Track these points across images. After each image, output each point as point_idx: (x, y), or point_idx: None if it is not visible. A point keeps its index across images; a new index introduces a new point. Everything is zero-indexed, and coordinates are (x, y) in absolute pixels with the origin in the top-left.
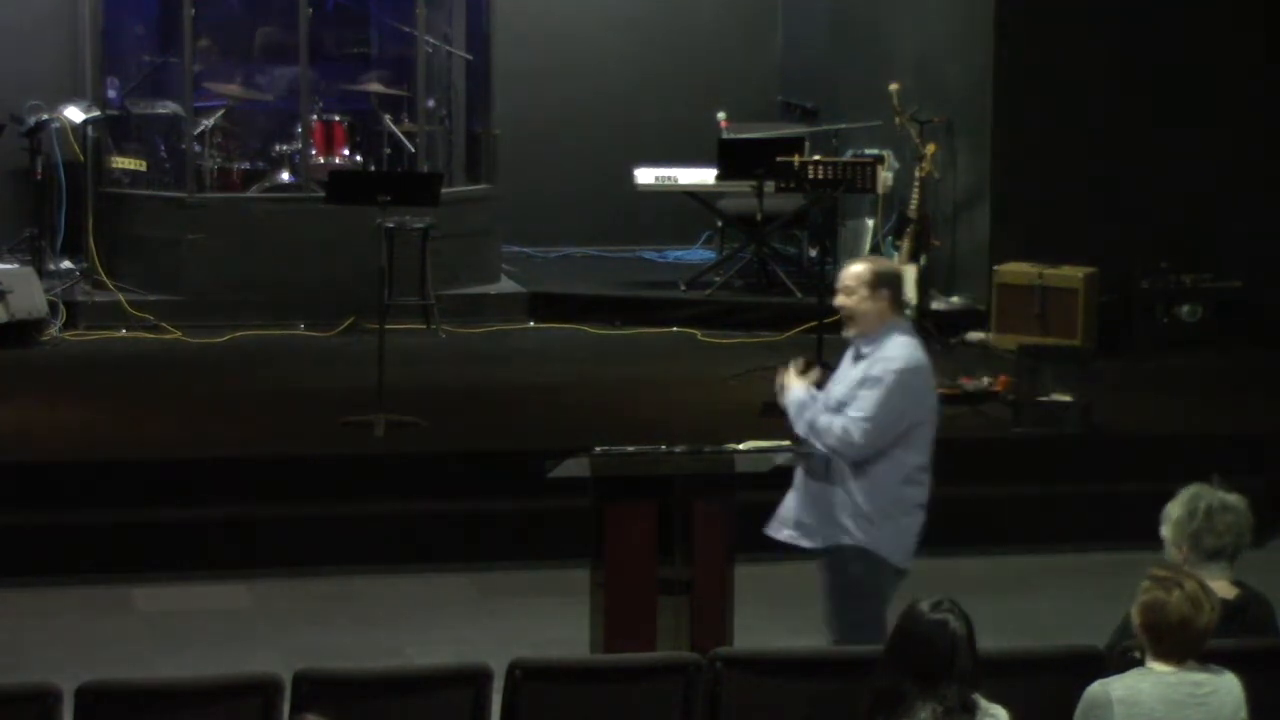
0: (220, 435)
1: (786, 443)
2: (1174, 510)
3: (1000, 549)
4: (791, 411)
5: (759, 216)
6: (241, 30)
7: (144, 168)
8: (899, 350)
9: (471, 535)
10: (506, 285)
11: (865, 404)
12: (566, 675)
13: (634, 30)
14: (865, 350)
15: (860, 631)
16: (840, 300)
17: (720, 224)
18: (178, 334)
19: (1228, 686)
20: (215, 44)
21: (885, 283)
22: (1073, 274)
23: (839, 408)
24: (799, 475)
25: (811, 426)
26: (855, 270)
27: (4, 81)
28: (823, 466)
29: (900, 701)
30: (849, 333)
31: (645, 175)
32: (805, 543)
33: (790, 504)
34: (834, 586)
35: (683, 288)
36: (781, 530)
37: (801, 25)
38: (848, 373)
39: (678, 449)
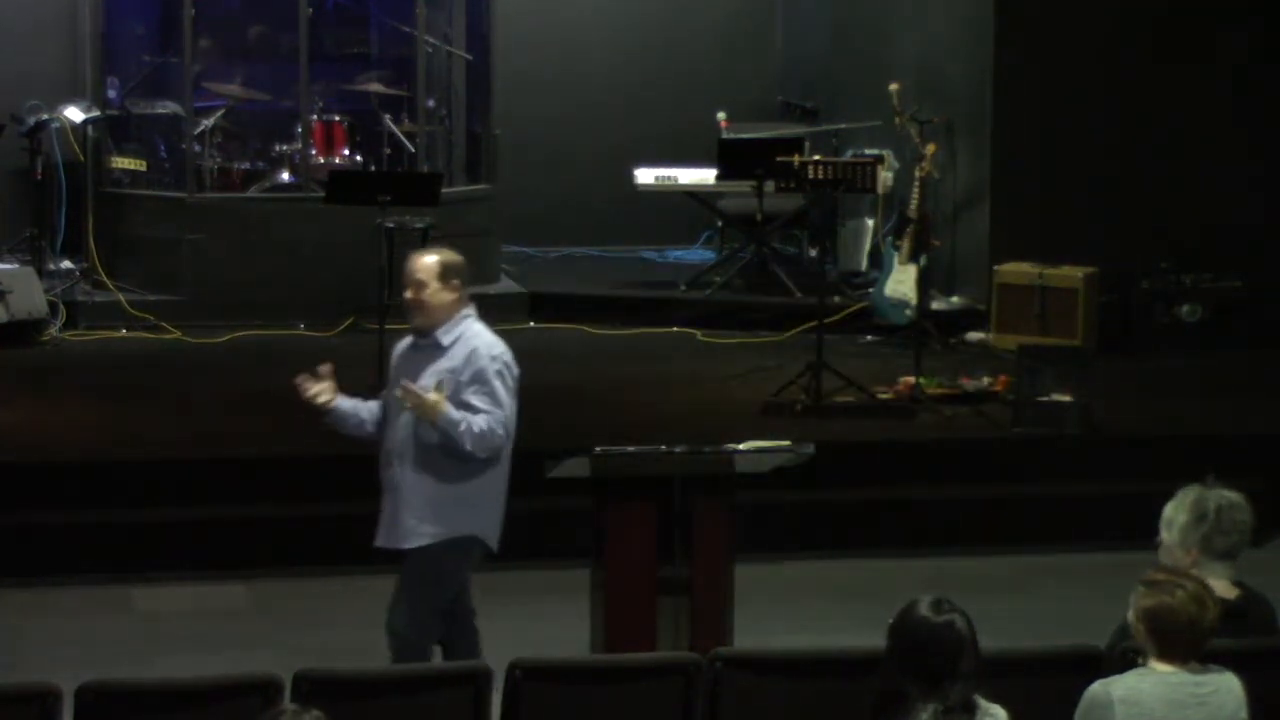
0: (220, 435)
1: (787, 443)
2: (1180, 515)
3: (1001, 549)
4: (458, 429)
5: (759, 216)
6: (241, 30)
7: (144, 168)
8: (490, 336)
9: None
10: (506, 285)
11: (494, 396)
12: (566, 675)
13: (634, 30)
14: (446, 341)
15: (433, 619)
16: (410, 294)
17: (720, 224)
18: (178, 334)
19: (1228, 687)
20: (215, 44)
21: (456, 273)
22: (1073, 274)
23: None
24: (396, 479)
25: (475, 434)
26: (424, 262)
27: (4, 81)
28: (434, 462)
29: (903, 702)
30: (418, 324)
31: (645, 175)
32: (412, 544)
33: (395, 510)
34: (420, 571)
35: (683, 288)
36: (398, 540)
37: (801, 25)
38: (427, 366)
39: (678, 449)
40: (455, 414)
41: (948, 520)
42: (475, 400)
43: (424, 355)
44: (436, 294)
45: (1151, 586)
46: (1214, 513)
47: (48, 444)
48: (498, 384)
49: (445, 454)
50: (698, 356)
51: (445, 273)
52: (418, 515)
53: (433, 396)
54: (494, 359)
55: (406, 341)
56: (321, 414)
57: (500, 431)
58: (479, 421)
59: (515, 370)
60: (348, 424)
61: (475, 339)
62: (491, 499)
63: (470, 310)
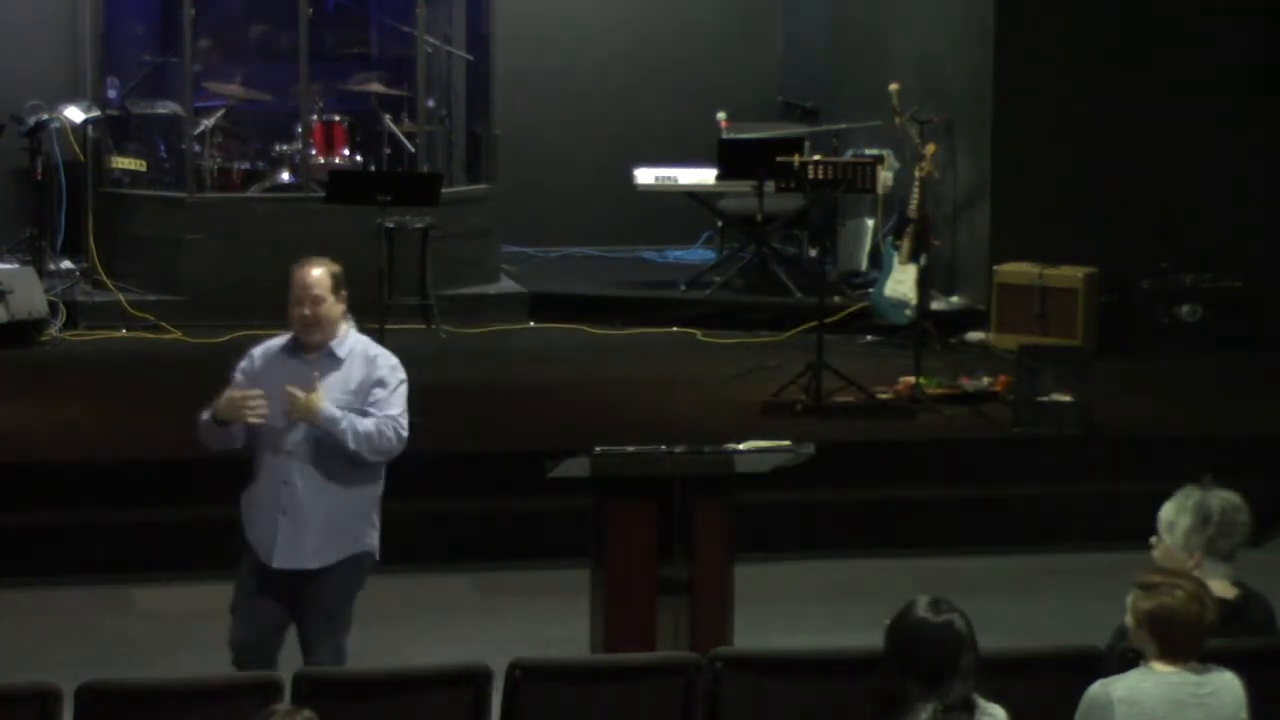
0: None
1: (787, 443)
2: (1183, 518)
3: (1000, 549)
4: (337, 425)
5: (759, 216)
6: (241, 30)
7: (144, 168)
8: (383, 349)
9: (471, 535)
10: (506, 285)
11: (397, 402)
12: (566, 675)
13: (634, 30)
14: (341, 353)
15: (342, 637)
16: (309, 310)
17: (720, 224)
18: (178, 334)
19: (1228, 686)
20: (215, 44)
21: (342, 283)
22: (1073, 274)
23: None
24: (295, 498)
25: (359, 432)
26: (317, 275)
27: (4, 81)
28: (337, 476)
29: (902, 702)
30: (314, 339)
31: (645, 175)
32: (318, 563)
33: (296, 529)
34: (337, 598)
35: (683, 288)
36: (303, 560)
37: (801, 25)
38: (323, 379)
39: (678, 449)
40: (335, 411)
41: (948, 520)
42: (380, 406)
43: (313, 367)
44: (332, 308)
45: (1150, 589)
46: (1218, 515)
47: (48, 444)
48: (401, 391)
49: (348, 466)
50: (698, 356)
51: (336, 284)
52: (323, 533)
53: (309, 396)
54: (394, 368)
55: (274, 350)
56: (221, 425)
57: (391, 435)
58: (365, 423)
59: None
60: (228, 436)
61: (370, 349)
62: (377, 512)
63: (351, 318)
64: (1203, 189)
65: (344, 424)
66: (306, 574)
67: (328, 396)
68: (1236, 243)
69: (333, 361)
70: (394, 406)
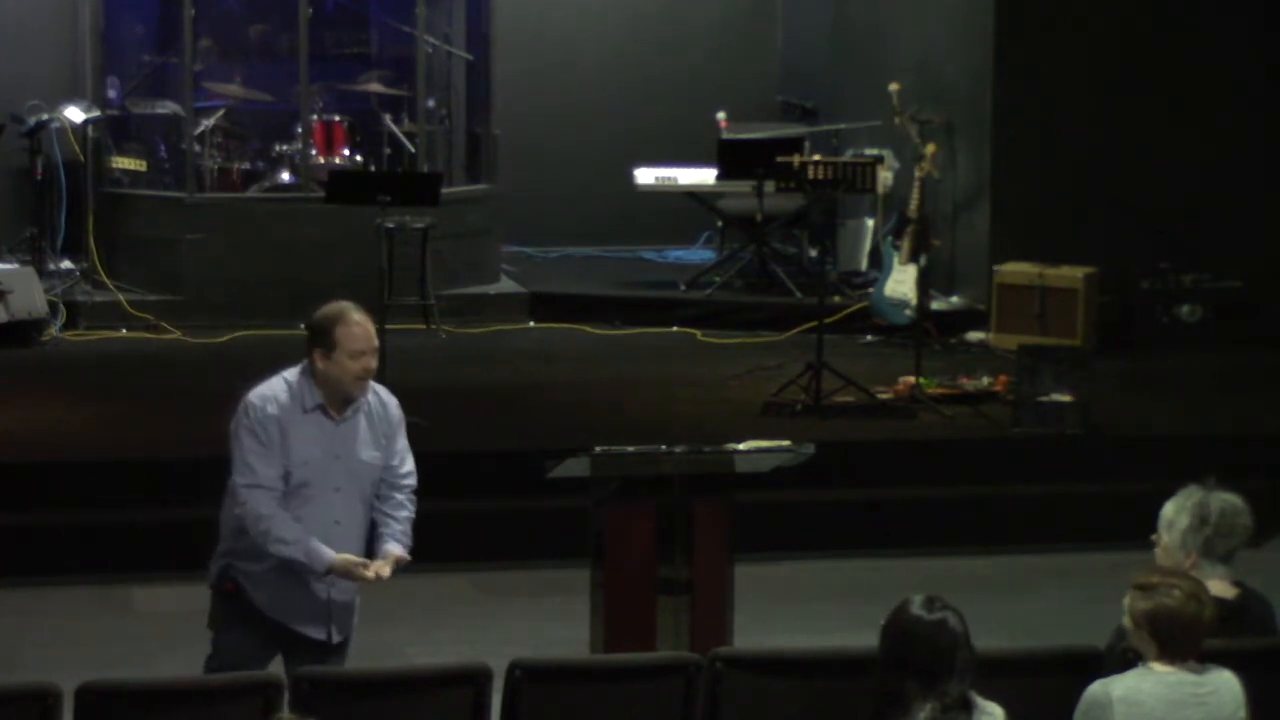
0: (220, 435)
1: (787, 443)
2: (1181, 518)
3: (1000, 549)
4: (406, 552)
5: (759, 216)
6: (242, 30)
7: (144, 168)
8: (373, 382)
9: (471, 535)
10: (506, 285)
11: (409, 451)
12: (566, 675)
13: (634, 30)
14: (364, 405)
15: None
16: (374, 363)
17: (720, 224)
18: (178, 334)
19: (1227, 686)
20: (215, 44)
21: None
22: (1073, 274)
23: (384, 471)
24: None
25: (410, 534)
26: (370, 324)
27: (4, 81)
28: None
29: (900, 702)
30: (358, 393)
31: (645, 175)
32: (341, 636)
33: (350, 596)
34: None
35: (683, 288)
36: (353, 625)
37: (801, 25)
38: (366, 430)
39: (678, 449)
40: (400, 549)
41: (948, 520)
42: (402, 459)
43: (346, 430)
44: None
45: (1147, 590)
46: (1215, 517)
47: (48, 444)
48: (405, 437)
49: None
50: (698, 356)
51: None
52: (355, 597)
53: (387, 570)
54: (399, 408)
55: (291, 408)
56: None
57: (415, 504)
58: (407, 518)
59: None
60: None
61: (373, 389)
62: None
63: None
64: (1203, 189)
65: (407, 548)
66: (323, 647)
67: (363, 454)
68: (1236, 243)
69: (358, 416)
70: (410, 459)
